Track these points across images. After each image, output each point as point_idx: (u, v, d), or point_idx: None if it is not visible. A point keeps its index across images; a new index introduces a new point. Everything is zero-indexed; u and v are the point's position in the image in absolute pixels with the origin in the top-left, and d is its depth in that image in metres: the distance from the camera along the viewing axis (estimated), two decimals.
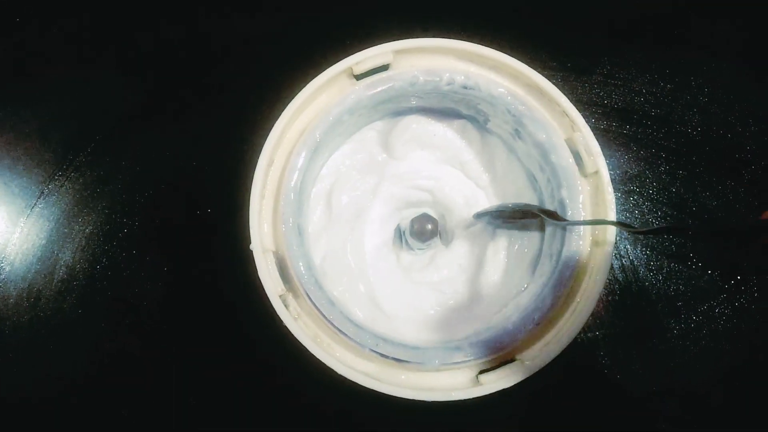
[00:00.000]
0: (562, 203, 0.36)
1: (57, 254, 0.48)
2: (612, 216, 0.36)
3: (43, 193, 0.49)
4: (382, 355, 0.33)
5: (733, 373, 0.46)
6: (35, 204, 0.49)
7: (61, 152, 0.50)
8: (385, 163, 0.43)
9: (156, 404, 0.46)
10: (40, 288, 0.47)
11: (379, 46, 0.37)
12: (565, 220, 0.35)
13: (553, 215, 0.36)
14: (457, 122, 0.41)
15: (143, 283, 0.47)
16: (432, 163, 0.43)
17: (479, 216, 0.41)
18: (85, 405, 0.46)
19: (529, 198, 0.40)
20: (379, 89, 0.37)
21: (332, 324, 0.33)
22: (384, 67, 0.37)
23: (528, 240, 0.40)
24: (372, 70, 0.37)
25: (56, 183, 0.49)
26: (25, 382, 0.46)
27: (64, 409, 0.46)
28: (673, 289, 0.48)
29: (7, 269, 0.48)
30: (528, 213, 0.38)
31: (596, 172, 0.36)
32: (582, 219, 0.36)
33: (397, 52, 0.37)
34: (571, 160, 0.36)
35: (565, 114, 0.37)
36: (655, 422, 0.45)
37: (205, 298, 0.46)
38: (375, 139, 0.43)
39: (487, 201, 0.43)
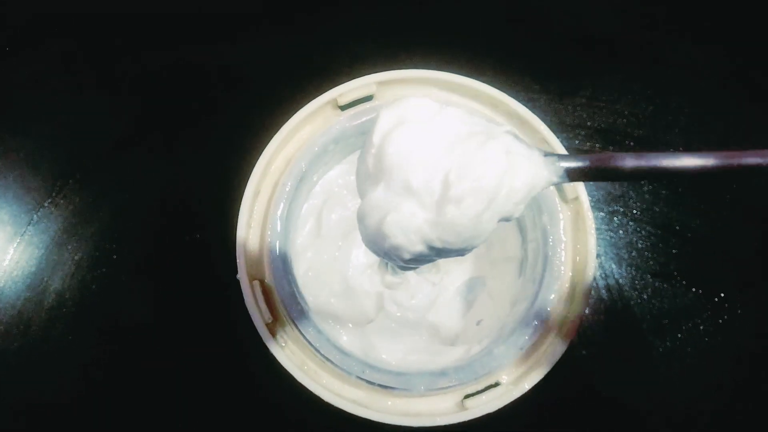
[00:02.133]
0: (543, 230, 0.37)
1: (47, 281, 0.48)
2: (593, 242, 0.36)
3: (32, 220, 0.49)
4: (368, 381, 0.34)
5: (717, 389, 0.47)
6: (25, 231, 0.49)
7: (50, 179, 0.50)
8: None
9: (145, 430, 0.46)
10: (31, 315, 0.47)
11: (362, 77, 0.38)
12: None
13: None
14: None
15: (133, 309, 0.47)
16: None
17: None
18: (76, 431, 0.46)
19: (512, 242, 0.41)
20: (363, 119, 0.37)
21: (319, 352, 0.34)
22: (368, 98, 0.38)
23: (510, 265, 0.41)
24: (356, 101, 0.38)
25: (45, 210, 0.50)
26: (15, 409, 0.46)
27: None
28: (658, 307, 0.49)
29: None
30: None
31: (576, 198, 0.37)
32: (563, 245, 0.36)
33: (380, 83, 0.38)
34: (552, 187, 0.37)
35: (545, 141, 0.38)
36: None
37: (194, 324, 0.47)
38: None
39: None
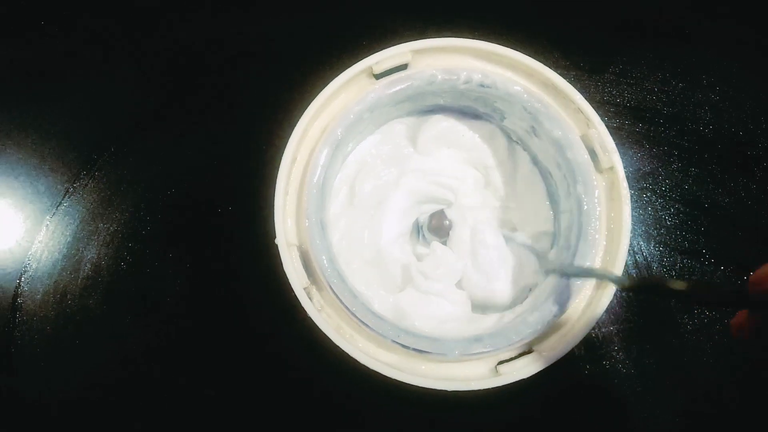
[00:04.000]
0: (578, 199, 0.37)
1: (82, 252, 0.49)
2: (627, 211, 0.36)
3: (68, 191, 0.50)
4: (403, 345, 0.34)
5: (745, 367, 0.47)
6: (61, 202, 0.50)
7: (85, 152, 0.51)
8: (410, 156, 0.44)
9: (179, 397, 0.47)
10: (66, 285, 0.49)
11: (397, 46, 0.38)
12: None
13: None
14: (487, 127, 0.42)
15: (167, 279, 0.48)
16: (456, 162, 0.44)
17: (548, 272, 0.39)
18: (110, 399, 0.47)
19: (545, 215, 0.42)
20: (398, 88, 0.38)
21: (355, 316, 0.34)
22: (402, 67, 0.38)
23: (541, 223, 0.41)
24: (391, 69, 0.38)
25: (81, 182, 0.51)
26: (51, 376, 0.47)
27: (90, 403, 0.47)
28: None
29: (33, 266, 0.49)
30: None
31: (611, 168, 0.37)
32: (597, 214, 0.37)
33: (416, 51, 0.38)
34: (587, 156, 0.37)
35: (579, 111, 0.38)
36: (668, 416, 0.46)
37: (227, 293, 0.48)
38: (403, 133, 0.44)
39: (501, 216, 0.44)
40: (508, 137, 0.43)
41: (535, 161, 0.43)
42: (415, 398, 0.37)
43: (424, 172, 0.43)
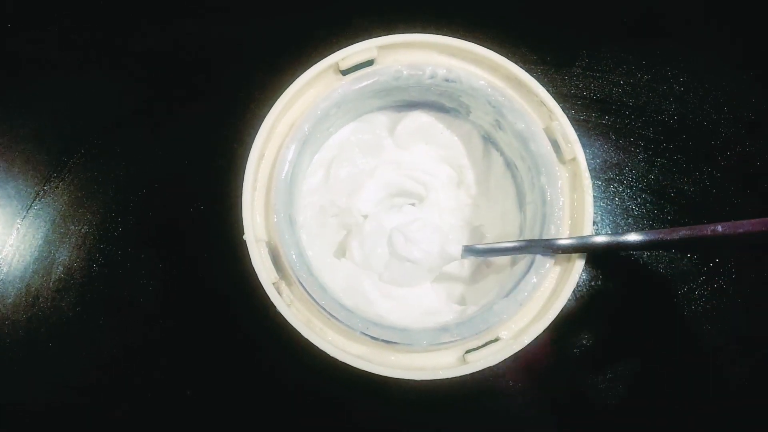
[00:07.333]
0: (541, 189, 0.38)
1: (54, 254, 0.49)
2: (589, 201, 0.37)
3: (38, 194, 0.50)
4: (372, 337, 0.35)
5: (713, 353, 0.48)
6: (31, 205, 0.50)
7: (55, 154, 0.51)
8: (388, 148, 0.44)
9: (154, 397, 0.47)
10: (38, 288, 0.48)
11: (363, 42, 0.38)
12: (556, 247, 0.36)
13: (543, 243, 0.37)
14: (465, 127, 0.43)
15: (139, 280, 0.48)
16: (432, 158, 0.44)
17: (468, 252, 0.40)
18: (86, 402, 0.47)
19: (512, 220, 0.42)
20: (364, 84, 0.38)
21: (324, 309, 0.35)
22: (369, 62, 0.39)
23: (509, 225, 0.42)
24: (357, 65, 0.38)
25: (51, 184, 0.50)
26: (24, 380, 0.47)
27: (65, 406, 0.47)
28: (654, 272, 0.50)
29: (5, 270, 0.49)
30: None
31: (573, 159, 0.38)
32: (561, 204, 0.37)
33: (381, 47, 0.39)
34: (550, 147, 0.38)
35: (542, 104, 0.39)
36: (637, 402, 0.47)
37: (201, 292, 0.48)
38: (384, 124, 0.44)
39: (471, 215, 0.44)
40: (484, 139, 0.44)
41: (505, 159, 0.43)
42: (387, 388, 0.37)
43: (399, 164, 0.44)
